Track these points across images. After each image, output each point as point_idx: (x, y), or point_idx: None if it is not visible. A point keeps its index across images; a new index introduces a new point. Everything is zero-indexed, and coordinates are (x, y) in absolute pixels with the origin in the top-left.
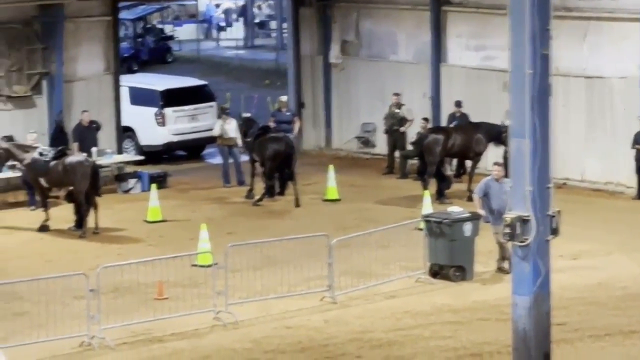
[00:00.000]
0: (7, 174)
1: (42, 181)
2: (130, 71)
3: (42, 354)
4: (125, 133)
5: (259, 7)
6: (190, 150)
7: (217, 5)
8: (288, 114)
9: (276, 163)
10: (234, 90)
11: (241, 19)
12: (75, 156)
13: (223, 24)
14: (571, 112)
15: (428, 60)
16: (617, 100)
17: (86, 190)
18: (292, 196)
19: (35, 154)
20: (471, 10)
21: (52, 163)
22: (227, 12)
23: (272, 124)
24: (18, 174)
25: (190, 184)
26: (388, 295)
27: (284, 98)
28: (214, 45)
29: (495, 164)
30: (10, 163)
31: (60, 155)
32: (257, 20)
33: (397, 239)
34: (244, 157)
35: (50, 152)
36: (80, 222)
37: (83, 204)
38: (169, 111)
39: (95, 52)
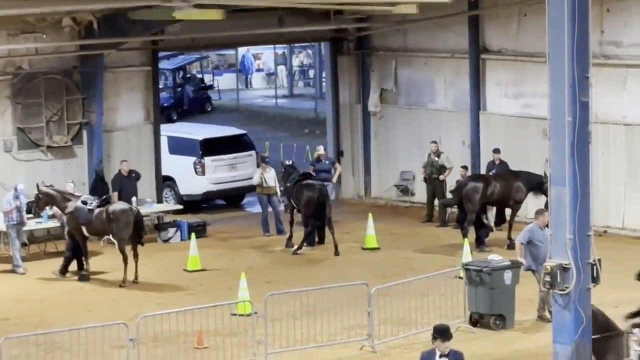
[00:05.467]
0: (47, 223)
1: (84, 229)
2: (170, 120)
3: None
4: (165, 182)
5: (297, 56)
6: (229, 200)
7: (256, 57)
8: (327, 162)
9: (310, 210)
10: (273, 139)
11: (280, 68)
12: (119, 204)
13: (262, 73)
14: (611, 160)
15: (467, 108)
16: None
17: (129, 238)
18: (331, 245)
19: (77, 203)
20: (510, 57)
21: (96, 211)
22: (266, 62)
23: (312, 173)
24: (57, 223)
25: (229, 233)
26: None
27: (321, 149)
28: (253, 95)
29: (542, 210)
30: (50, 212)
31: (104, 204)
32: (296, 69)
33: (437, 288)
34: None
35: (93, 201)
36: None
37: (125, 252)
38: (208, 160)
39: (134, 102)
